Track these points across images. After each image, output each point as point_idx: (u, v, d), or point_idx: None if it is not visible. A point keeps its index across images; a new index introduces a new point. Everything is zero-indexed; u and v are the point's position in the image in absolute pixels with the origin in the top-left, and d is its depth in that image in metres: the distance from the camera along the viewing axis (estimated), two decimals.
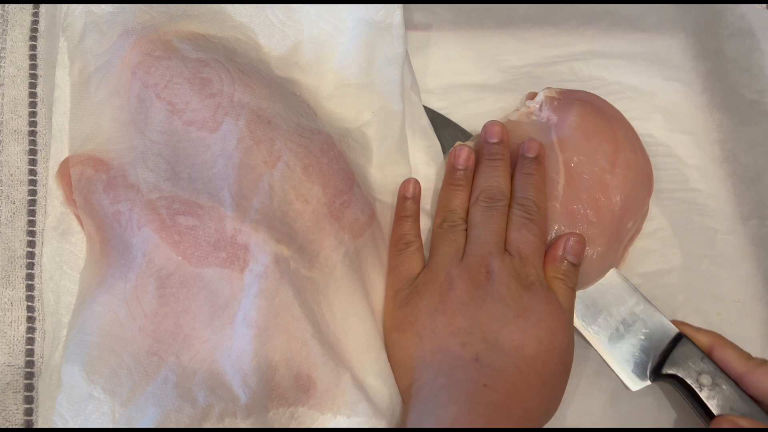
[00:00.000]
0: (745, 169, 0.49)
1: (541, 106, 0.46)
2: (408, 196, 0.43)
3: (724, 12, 0.52)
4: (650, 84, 0.51)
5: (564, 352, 0.38)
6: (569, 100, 0.46)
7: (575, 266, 0.41)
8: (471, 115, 0.49)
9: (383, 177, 0.44)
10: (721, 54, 0.52)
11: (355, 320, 0.40)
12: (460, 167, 0.44)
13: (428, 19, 0.50)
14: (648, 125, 0.49)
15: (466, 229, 0.42)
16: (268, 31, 0.44)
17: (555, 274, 0.41)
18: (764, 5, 0.53)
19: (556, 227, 0.43)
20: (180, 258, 0.37)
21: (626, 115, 0.47)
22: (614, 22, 0.52)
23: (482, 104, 0.49)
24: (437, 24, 0.50)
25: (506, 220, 0.42)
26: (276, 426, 0.36)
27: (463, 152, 0.44)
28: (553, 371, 0.38)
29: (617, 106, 0.47)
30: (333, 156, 0.41)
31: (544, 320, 0.38)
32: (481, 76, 0.50)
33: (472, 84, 0.50)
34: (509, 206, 0.42)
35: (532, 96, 0.48)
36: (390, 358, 0.40)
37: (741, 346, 0.45)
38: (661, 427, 0.43)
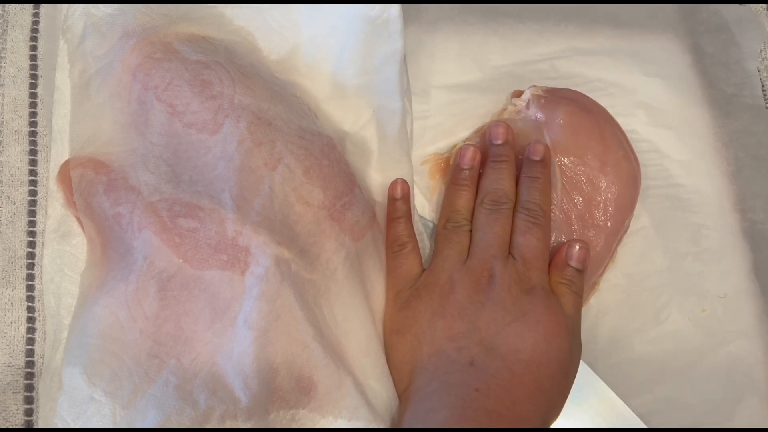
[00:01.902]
0: (727, 162, 0.50)
1: (528, 103, 0.46)
2: (397, 196, 0.43)
3: (699, 8, 0.52)
4: (631, 80, 0.51)
5: (564, 356, 0.38)
6: (556, 98, 0.46)
7: (580, 272, 0.41)
8: (453, 117, 0.48)
9: (384, 178, 0.44)
10: (699, 49, 0.52)
11: (356, 323, 0.40)
12: (465, 167, 0.44)
13: (408, 18, 0.50)
14: (631, 121, 0.49)
15: (471, 230, 0.42)
16: (267, 34, 0.44)
17: (559, 279, 0.41)
18: (764, 5, 0.53)
19: (555, 229, 0.43)
20: (181, 260, 0.37)
21: (609, 111, 0.47)
22: (594, 18, 0.52)
23: (464, 105, 0.49)
24: (417, 23, 0.50)
25: (511, 223, 0.42)
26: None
27: (469, 152, 0.44)
28: (550, 375, 0.38)
29: (599, 102, 0.47)
30: (334, 158, 0.41)
31: (542, 324, 0.38)
32: (463, 76, 0.50)
33: (453, 85, 0.49)
34: (514, 209, 0.42)
35: (518, 94, 0.48)
36: (389, 361, 0.40)
37: (728, 341, 0.45)
38: None
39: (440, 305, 0.39)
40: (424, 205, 0.46)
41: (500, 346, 0.37)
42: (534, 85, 0.47)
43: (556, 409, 0.39)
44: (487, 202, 0.42)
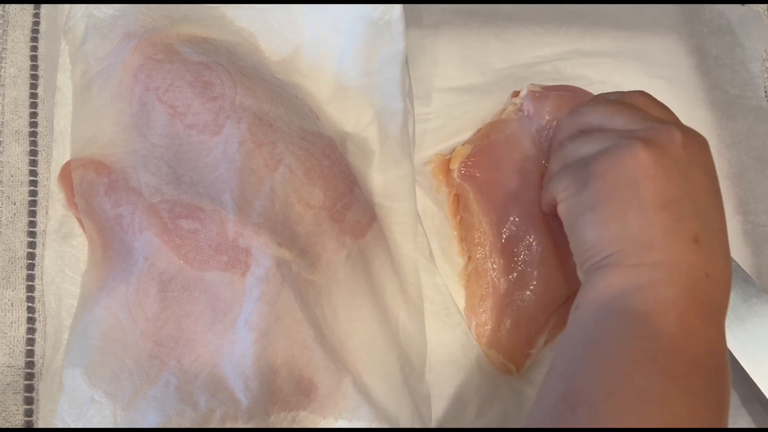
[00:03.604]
0: (730, 164, 0.49)
1: (524, 101, 0.46)
2: None
3: (703, 10, 0.52)
4: (634, 82, 0.50)
5: None
6: (548, 92, 0.46)
7: None
8: (454, 120, 0.48)
9: (386, 179, 0.44)
10: (703, 51, 0.52)
11: (360, 323, 0.39)
12: None
13: (409, 22, 0.50)
14: None
15: None
16: (269, 35, 0.44)
17: None
18: (765, 5, 0.53)
19: (555, 227, 0.43)
20: (182, 262, 0.37)
21: None
22: (596, 20, 0.52)
23: (465, 108, 0.48)
24: (419, 27, 0.49)
25: None
26: None
27: None
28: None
29: None
30: (335, 159, 0.41)
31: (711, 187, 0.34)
32: (464, 79, 0.49)
33: (455, 87, 0.49)
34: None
35: (516, 94, 0.48)
36: (572, 241, 0.36)
37: (728, 344, 0.45)
38: None
39: (645, 166, 0.33)
40: (428, 206, 0.46)
41: (715, 219, 0.33)
42: (532, 83, 0.47)
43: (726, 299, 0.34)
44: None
